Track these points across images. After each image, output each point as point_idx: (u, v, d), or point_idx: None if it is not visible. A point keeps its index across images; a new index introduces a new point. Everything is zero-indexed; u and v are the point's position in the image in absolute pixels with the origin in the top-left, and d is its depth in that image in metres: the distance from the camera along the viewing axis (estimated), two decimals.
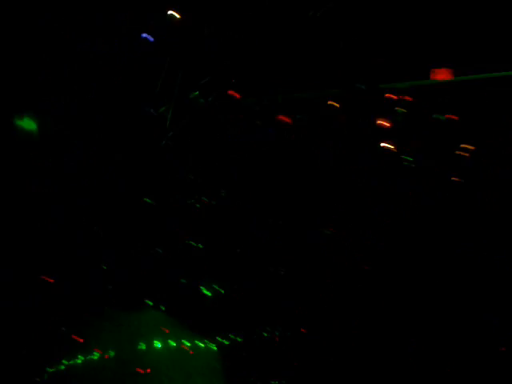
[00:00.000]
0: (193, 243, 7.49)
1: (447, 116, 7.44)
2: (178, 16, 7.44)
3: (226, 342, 7.35)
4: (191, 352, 6.91)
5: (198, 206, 7.53)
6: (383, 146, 7.50)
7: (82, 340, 6.92)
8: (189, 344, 6.92)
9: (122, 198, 7.43)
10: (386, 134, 7.57)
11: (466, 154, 7.35)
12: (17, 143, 7.39)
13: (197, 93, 7.47)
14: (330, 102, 7.58)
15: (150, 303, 7.23)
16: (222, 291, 7.42)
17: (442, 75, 7.49)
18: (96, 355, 6.81)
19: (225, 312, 7.47)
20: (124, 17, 7.46)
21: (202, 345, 7.01)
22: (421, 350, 7.25)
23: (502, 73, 7.39)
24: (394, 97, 7.56)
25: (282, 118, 7.56)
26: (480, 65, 7.44)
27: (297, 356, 7.46)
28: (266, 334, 7.46)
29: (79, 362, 6.84)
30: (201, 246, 7.50)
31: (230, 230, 7.60)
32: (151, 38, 7.26)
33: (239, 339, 7.43)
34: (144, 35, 7.24)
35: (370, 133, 7.58)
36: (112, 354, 6.79)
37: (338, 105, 7.56)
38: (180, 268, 7.41)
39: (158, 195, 7.47)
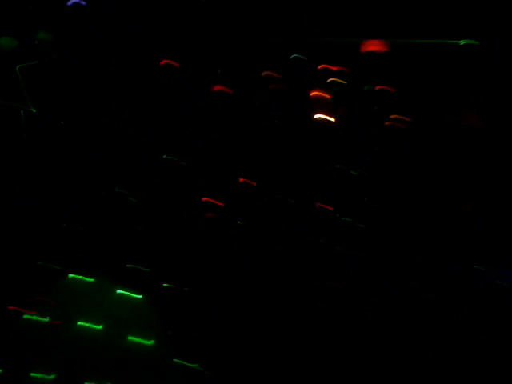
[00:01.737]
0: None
1: (379, 87, 7.75)
2: None
3: None
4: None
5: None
6: (321, 118, 7.84)
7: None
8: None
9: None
10: (324, 106, 7.90)
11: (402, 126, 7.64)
12: None
13: None
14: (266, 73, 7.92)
15: None
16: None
17: (373, 47, 7.82)
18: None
19: None
20: None
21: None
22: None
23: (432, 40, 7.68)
24: (334, 68, 7.89)
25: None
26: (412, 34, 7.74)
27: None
28: None
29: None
30: None
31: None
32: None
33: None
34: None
35: (308, 105, 7.92)
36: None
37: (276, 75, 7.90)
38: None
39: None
